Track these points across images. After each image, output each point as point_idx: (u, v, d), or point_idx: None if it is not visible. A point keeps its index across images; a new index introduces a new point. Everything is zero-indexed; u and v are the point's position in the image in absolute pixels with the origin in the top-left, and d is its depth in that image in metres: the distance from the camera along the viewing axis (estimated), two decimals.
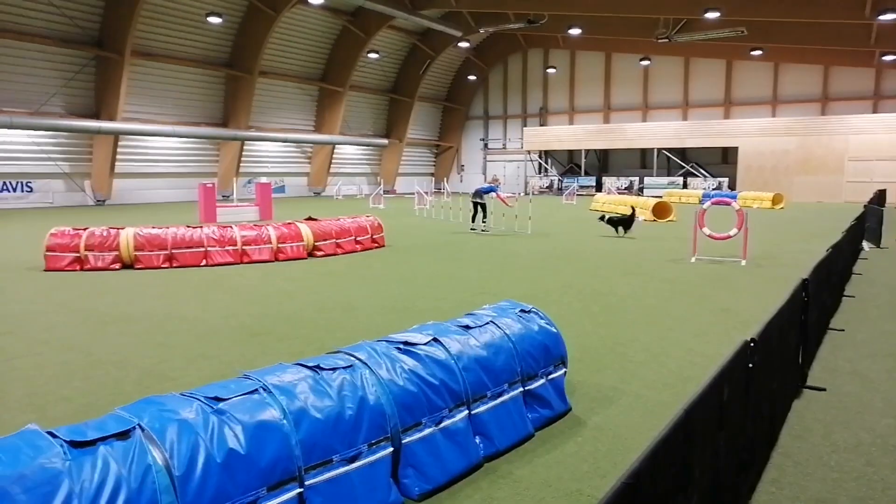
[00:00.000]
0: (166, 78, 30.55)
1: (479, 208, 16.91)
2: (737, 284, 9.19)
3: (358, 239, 13.04)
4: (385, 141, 43.47)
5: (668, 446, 1.94)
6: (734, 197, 27.91)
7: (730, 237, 11.75)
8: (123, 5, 26.29)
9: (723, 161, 40.27)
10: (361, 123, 42.69)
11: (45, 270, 10.26)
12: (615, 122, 43.69)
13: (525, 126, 47.25)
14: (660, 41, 33.74)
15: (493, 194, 17.53)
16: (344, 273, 10.33)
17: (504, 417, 3.80)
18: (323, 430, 2.94)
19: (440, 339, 3.77)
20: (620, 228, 15.83)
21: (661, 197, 28.20)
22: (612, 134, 41.98)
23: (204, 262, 10.89)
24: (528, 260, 11.72)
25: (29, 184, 26.62)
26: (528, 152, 45.89)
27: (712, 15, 27.63)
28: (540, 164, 46.45)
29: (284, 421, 2.84)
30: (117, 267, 10.47)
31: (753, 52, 35.88)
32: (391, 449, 3.18)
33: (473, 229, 17.07)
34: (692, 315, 7.24)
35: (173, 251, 10.72)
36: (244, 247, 11.28)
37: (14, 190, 26.00)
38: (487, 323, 4.13)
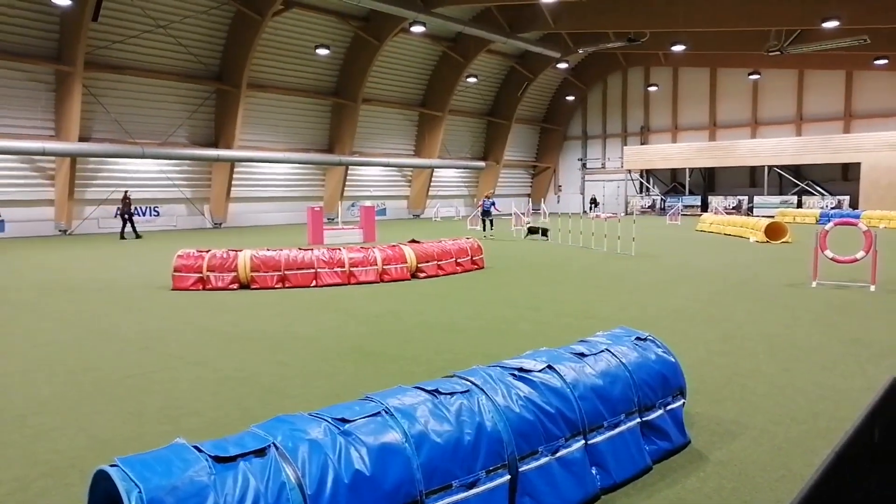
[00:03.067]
0: (277, 107, 32.37)
1: (488, 220, 23.46)
2: (867, 312, 8.50)
3: (458, 261, 13.18)
4: (482, 163, 43.84)
5: (819, 491, 1.81)
6: (857, 216, 25.94)
7: (856, 260, 10.92)
8: (241, 42, 28.21)
9: (843, 178, 37.58)
10: (460, 147, 43.31)
11: (172, 289, 11.06)
12: (722, 140, 41.88)
13: (625, 145, 46.22)
14: (771, 54, 32.15)
15: (493, 208, 23.37)
16: (446, 294, 10.45)
17: (621, 449, 3.69)
18: (443, 455, 2.97)
19: (555, 366, 3.73)
20: (539, 235, 20.84)
21: (773, 217, 26.68)
22: (718, 151, 40.25)
23: (314, 283, 11.36)
24: (634, 283, 11.39)
25: (156, 208, 28.91)
26: (629, 171, 44.82)
27: (830, 24, 26.03)
28: (641, 184, 45.21)
29: (406, 444, 2.90)
30: (235, 287, 11.12)
31: (877, 62, 33.42)
32: (508, 477, 3.17)
33: (485, 237, 21.82)
34: (818, 345, 6.76)
35: (286, 272, 11.26)
36: (352, 268, 11.67)
37: (144, 214, 28.31)
38: (602, 351, 4.04)
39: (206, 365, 6.30)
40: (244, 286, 11.18)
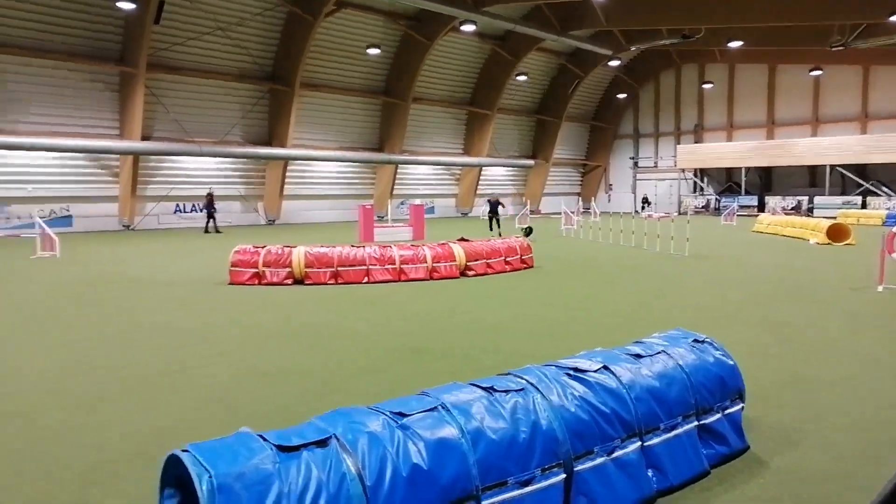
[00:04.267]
0: (329, 107, 32.89)
1: (494, 220, 23.10)
2: None
3: (508, 259, 13.15)
4: (531, 162, 43.58)
5: None
6: None
7: None
8: (295, 43, 28.77)
9: None
10: (508, 145, 43.16)
11: (229, 284, 11.38)
12: (780, 138, 40.53)
13: (678, 143, 45.22)
14: (834, 49, 30.96)
15: (500, 208, 23.59)
16: (496, 293, 10.45)
17: (678, 451, 3.64)
18: (498, 452, 2.99)
19: (610, 366, 3.70)
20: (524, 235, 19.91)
21: (835, 218, 25.70)
22: (776, 150, 38.97)
23: (366, 280, 11.52)
24: (687, 284, 11.15)
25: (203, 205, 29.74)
26: (682, 170, 43.84)
27: None
28: (695, 183, 44.16)
29: (463, 440, 2.93)
30: (290, 282, 11.37)
31: None
32: (563, 476, 3.16)
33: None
34: (886, 352, 6.49)
35: (339, 269, 11.45)
36: (402, 266, 11.79)
37: (201, 211, 29.17)
38: (659, 352, 3.99)
39: (262, 358, 6.47)
40: (298, 282, 11.42)
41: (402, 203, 36.44)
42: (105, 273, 13.21)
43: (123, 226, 26.96)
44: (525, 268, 13.42)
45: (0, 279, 12.41)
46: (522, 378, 3.49)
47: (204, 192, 28.79)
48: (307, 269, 11.41)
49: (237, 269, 11.44)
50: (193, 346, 6.99)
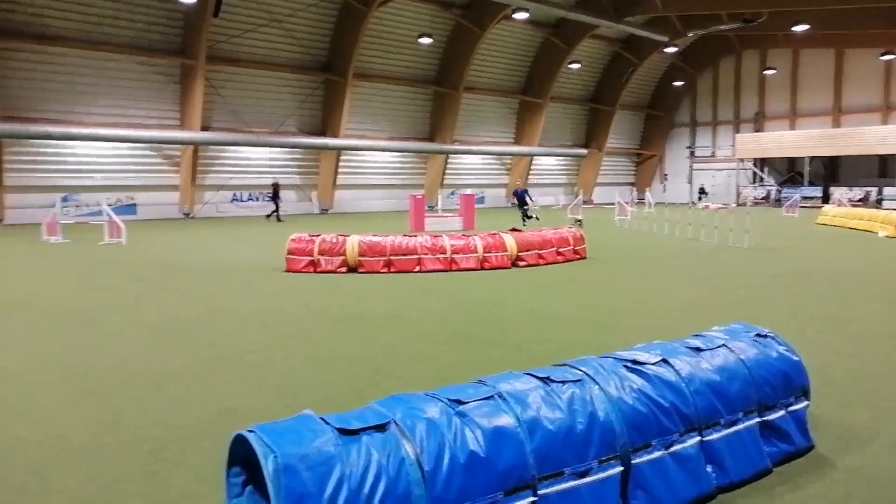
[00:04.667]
0: (381, 96, 33.13)
1: (523, 213, 21.80)
2: None
3: (560, 250, 13.03)
4: (584, 151, 42.94)
5: None
6: None
7: None
8: (348, 33, 29.06)
9: None
10: (560, 134, 42.63)
11: (285, 271, 11.65)
12: (848, 126, 38.76)
13: (737, 132, 43.79)
14: None
15: (528, 199, 22.04)
16: (548, 283, 10.38)
17: (738, 448, 3.56)
18: (555, 442, 2.98)
19: (669, 359, 3.64)
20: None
21: None
22: (843, 139, 37.29)
23: (417, 269, 11.61)
24: (747, 277, 10.83)
25: (268, 194, 30.39)
26: (741, 160, 42.46)
27: None
28: (755, 173, 42.73)
29: (519, 429, 2.93)
30: (343, 270, 11.56)
31: None
32: (621, 468, 3.14)
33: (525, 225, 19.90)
34: None
35: (391, 257, 11.58)
36: (453, 255, 11.83)
37: (258, 199, 29.93)
38: (720, 346, 3.90)
39: (318, 344, 6.62)
40: (352, 270, 11.60)
41: (452, 193, 36.49)
42: (168, 259, 13.71)
43: (184, 214, 27.87)
44: (578, 259, 13.27)
45: (73, 265, 13.02)
46: (579, 369, 3.47)
47: (261, 182, 29.55)
48: (360, 258, 11.57)
49: (293, 256, 11.69)
50: (253, 331, 7.20)
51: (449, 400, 2.99)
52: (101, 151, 25.70)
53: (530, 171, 40.93)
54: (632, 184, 49.11)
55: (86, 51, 24.08)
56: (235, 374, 5.59)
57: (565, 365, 3.60)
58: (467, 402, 2.97)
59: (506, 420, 2.94)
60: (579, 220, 21.31)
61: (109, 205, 18.92)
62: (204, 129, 26.94)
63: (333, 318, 7.88)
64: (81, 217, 22.73)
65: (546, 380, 3.26)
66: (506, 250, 12.26)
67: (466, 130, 36.98)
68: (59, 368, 5.75)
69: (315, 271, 11.54)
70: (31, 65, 23.35)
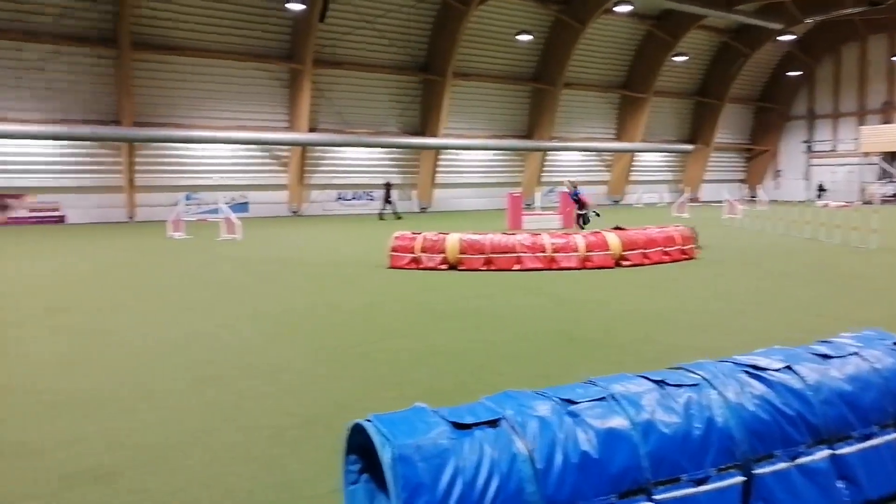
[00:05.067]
0: (479, 95, 33.25)
1: (581, 216, 18.13)
2: None
3: (666, 249, 12.57)
4: (689, 146, 41.20)
5: None
6: None
7: None
8: (447, 33, 29.38)
9: None
10: (664, 129, 41.10)
11: (388, 267, 11.95)
12: None
13: (862, 124, 40.50)
14: None
15: (579, 196, 18.30)
16: (654, 284, 10.05)
17: (874, 463, 3.30)
18: (670, 446, 2.89)
19: (793, 366, 3.43)
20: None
21: None
22: None
23: (516, 267, 11.57)
24: (876, 279, 10.02)
25: (370, 193, 31.33)
26: (866, 154, 39.24)
27: None
28: (882, 169, 39.37)
29: (633, 431, 2.86)
30: (444, 267, 11.71)
31: None
32: (741, 478, 2.99)
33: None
34: None
35: (491, 255, 11.61)
36: (553, 254, 11.69)
37: (360, 198, 30.90)
38: (851, 354, 3.62)
39: (421, 339, 6.74)
40: (452, 267, 11.73)
41: (550, 190, 36.07)
42: (279, 255, 14.42)
43: (292, 212, 29.19)
44: (685, 259, 12.75)
45: (194, 259, 13.97)
46: (695, 373, 3.33)
47: (363, 182, 30.54)
48: (461, 256, 11.68)
49: (396, 253, 11.98)
50: (359, 324, 7.44)
51: (560, 399, 2.96)
52: (218, 153, 27.39)
53: (632, 168, 39.75)
54: (742, 180, 46.60)
55: (206, 59, 25.76)
56: (344, 365, 5.80)
57: (680, 368, 3.47)
58: (579, 402, 2.93)
59: (619, 422, 2.88)
60: (596, 213, 18.76)
61: (226, 203, 20.12)
62: (311, 130, 28.10)
63: (436, 313, 8.00)
64: (201, 214, 24.32)
65: (661, 383, 3.16)
66: (608, 249, 11.98)
67: (565, 127, 36.43)
68: (184, 355, 6.17)
69: (417, 268, 11.76)
70: (159, 74, 25.25)
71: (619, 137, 38.94)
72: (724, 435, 3.02)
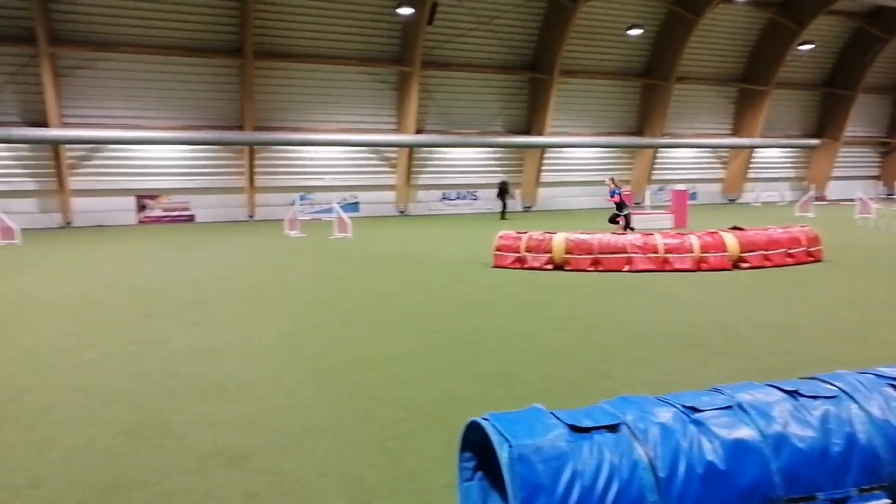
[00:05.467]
0: (586, 92, 32.57)
1: (622, 215, 17.36)
2: None
3: (790, 251, 11.79)
4: (815, 141, 38.31)
5: None
6: None
7: None
8: (554, 30, 29.02)
9: None
10: (787, 123, 38.47)
11: (493, 267, 11.98)
12: None
13: None
14: None
15: (621, 199, 17.47)
16: (776, 288, 9.45)
17: None
18: (805, 462, 2.71)
19: None
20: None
21: None
22: None
23: (626, 268, 11.25)
24: None
25: (475, 193, 31.53)
26: None
27: None
28: None
29: (763, 444, 2.71)
30: (549, 267, 11.59)
31: None
32: (887, 501, 2.76)
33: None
34: None
35: (599, 256, 11.36)
36: (666, 255, 11.27)
37: (464, 198, 31.18)
38: None
39: (530, 338, 6.71)
40: (558, 267, 11.59)
41: (660, 189, 34.78)
42: (388, 252, 14.84)
43: (399, 211, 29.92)
44: (812, 261, 11.91)
45: (310, 256, 14.66)
46: (833, 384, 3.11)
47: (468, 182, 30.79)
48: (567, 256, 11.51)
49: (501, 252, 11.99)
50: (468, 320, 7.52)
51: (683, 406, 2.86)
52: (330, 155, 28.55)
53: (750, 164, 37.54)
54: (876, 177, 42.77)
55: (320, 65, 26.91)
56: (454, 361, 5.89)
57: (814, 379, 3.25)
58: (704, 411, 2.81)
59: (747, 433, 2.74)
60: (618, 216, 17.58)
61: (338, 203, 20.94)
62: (418, 131, 28.66)
63: (543, 314, 7.94)
64: (314, 214, 25.45)
65: (793, 393, 2.97)
66: (726, 250, 11.39)
67: (678, 123, 34.96)
68: (303, 348, 6.50)
69: (521, 267, 11.71)
70: (276, 80, 26.68)
71: (735, 133, 36.87)
72: (868, 453, 2.80)
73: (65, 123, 23.60)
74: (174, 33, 24.54)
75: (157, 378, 5.53)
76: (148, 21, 24.00)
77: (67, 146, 23.97)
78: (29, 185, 24.31)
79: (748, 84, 35.41)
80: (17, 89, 23.19)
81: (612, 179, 18.47)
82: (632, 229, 16.82)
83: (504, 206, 26.90)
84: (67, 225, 24.61)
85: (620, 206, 17.58)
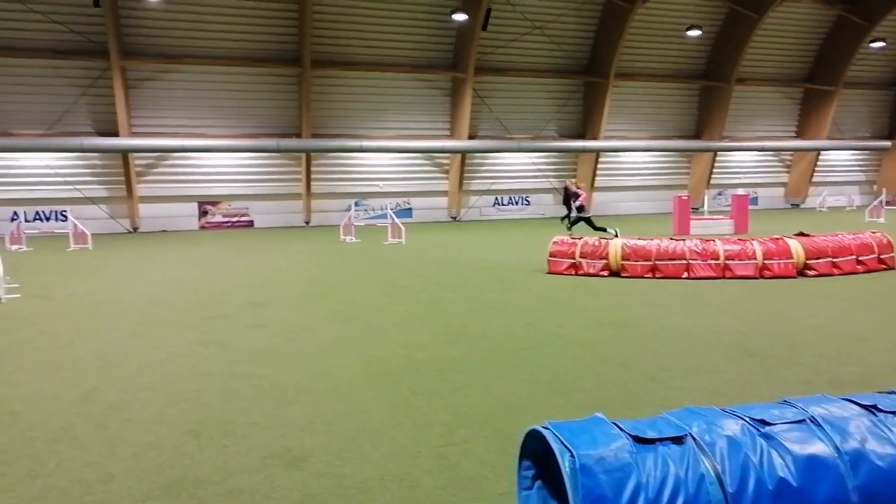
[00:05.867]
0: (642, 95, 31.96)
1: (569, 216, 17.33)
2: None
3: (861, 259, 11.27)
4: (887, 143, 36.54)
5: None
6: None
7: None
8: (610, 33, 28.62)
9: None
10: (856, 124, 36.83)
11: (547, 273, 11.87)
12: None
13: None
14: None
15: (578, 202, 17.34)
16: (846, 297, 9.04)
17: None
18: (886, 481, 2.58)
19: None
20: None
21: None
22: None
23: (685, 275, 10.97)
24: None
25: (527, 198, 31.35)
26: None
27: None
28: None
29: (839, 461, 2.59)
30: (605, 274, 11.40)
31: None
32: None
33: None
34: None
35: (656, 262, 11.11)
36: (727, 261, 10.94)
37: (517, 203, 31.04)
38: None
39: (585, 346, 6.61)
40: (614, 274, 11.39)
41: (719, 193, 33.83)
42: (441, 257, 14.89)
43: (451, 217, 30.01)
44: (884, 269, 11.36)
45: (364, 261, 14.85)
46: None
47: (522, 187, 30.64)
48: (624, 262, 11.30)
49: (555, 258, 11.87)
50: (522, 327, 7.47)
51: (752, 419, 2.76)
52: (384, 161, 28.87)
53: (816, 168, 36.09)
54: None
55: (375, 73, 27.28)
56: (508, 367, 5.85)
57: (893, 393, 3.09)
58: (774, 424, 2.71)
59: (822, 448, 2.62)
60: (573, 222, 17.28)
61: (391, 209, 21.15)
62: (471, 137, 28.69)
63: (599, 321, 7.81)
64: (369, 220, 25.76)
65: (871, 408, 2.83)
66: (791, 257, 10.98)
67: (738, 125, 33.92)
68: (359, 352, 6.57)
69: (576, 274, 11.56)
70: (333, 88, 27.19)
71: (800, 135, 35.54)
72: None
73: (133, 133, 24.65)
74: (236, 44, 25.33)
75: (220, 379, 5.69)
76: (211, 34, 24.85)
77: (135, 154, 25.02)
78: (100, 192, 25.47)
79: (814, 84, 34.10)
80: (89, 101, 24.34)
81: (573, 182, 18.43)
82: (569, 228, 17.20)
83: (570, 211, 25.88)
84: (135, 230, 25.66)
85: (580, 207, 17.43)
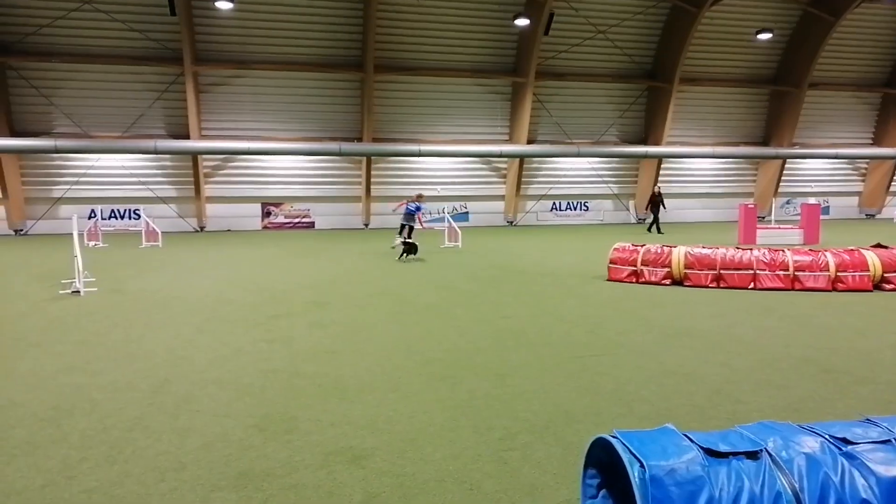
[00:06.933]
0: (707, 101, 31.10)
1: (406, 228, 16.39)
2: None
3: None
4: None
5: None
6: None
7: None
8: (675, 38, 27.98)
9: None
10: None
11: (607, 280, 11.68)
12: None
13: None
14: None
15: (418, 216, 16.71)
16: None
17: None
18: None
19: None
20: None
21: None
22: None
23: (752, 285, 10.61)
24: None
25: (586, 203, 30.93)
26: None
27: None
28: None
29: None
30: (668, 282, 11.13)
31: None
32: None
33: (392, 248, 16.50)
34: None
35: (721, 271, 10.78)
36: (796, 273, 10.52)
37: (575, 209, 30.65)
38: None
39: (647, 355, 6.47)
40: (676, 282, 11.11)
41: (787, 202, 32.56)
42: (498, 262, 14.84)
43: (507, 221, 29.89)
44: None
45: (422, 264, 14.95)
46: None
47: (580, 192, 30.27)
48: (687, 271, 11.01)
49: (616, 266, 11.66)
50: (582, 335, 7.37)
51: (832, 437, 2.64)
52: (442, 165, 29.03)
53: (895, 177, 34.28)
54: None
55: (436, 77, 27.47)
56: (569, 375, 5.78)
57: None
58: (857, 443, 2.59)
59: None
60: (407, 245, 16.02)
61: (449, 213, 21.21)
62: (530, 142, 28.53)
63: (662, 330, 7.63)
64: (427, 224, 25.91)
65: None
66: (867, 270, 10.47)
67: (809, 132, 32.59)
68: (418, 353, 6.62)
69: (637, 282, 11.33)
70: (394, 93, 27.53)
71: (877, 142, 33.84)
72: None
73: (203, 135, 25.59)
74: (301, 50, 25.98)
75: (284, 376, 5.83)
76: (278, 40, 25.57)
77: (204, 156, 25.95)
78: (170, 192, 26.53)
79: (893, 89, 32.45)
80: (163, 105, 25.41)
81: (420, 196, 17.55)
82: (400, 234, 16.43)
83: (655, 217, 24.97)
84: (201, 229, 26.60)
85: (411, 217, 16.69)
